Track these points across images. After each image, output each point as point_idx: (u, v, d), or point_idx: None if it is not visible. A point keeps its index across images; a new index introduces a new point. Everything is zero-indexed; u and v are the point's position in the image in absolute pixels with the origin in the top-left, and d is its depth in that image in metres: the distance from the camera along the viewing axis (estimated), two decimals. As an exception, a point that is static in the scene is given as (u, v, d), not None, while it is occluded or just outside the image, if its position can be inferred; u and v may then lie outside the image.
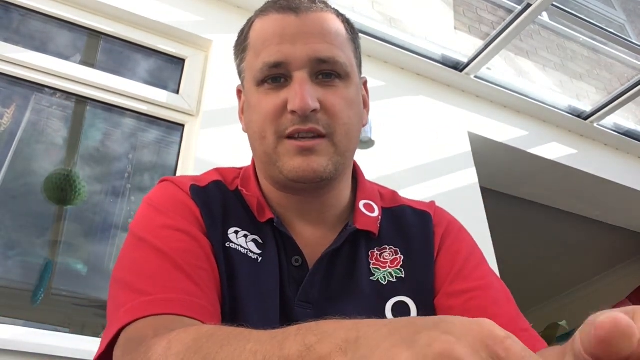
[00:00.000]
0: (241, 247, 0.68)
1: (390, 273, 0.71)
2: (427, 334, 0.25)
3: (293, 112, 0.65)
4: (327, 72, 0.68)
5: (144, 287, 0.58)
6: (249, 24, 0.75)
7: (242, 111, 0.78)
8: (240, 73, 0.76)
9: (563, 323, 3.13)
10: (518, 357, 0.24)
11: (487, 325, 0.25)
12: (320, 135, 0.66)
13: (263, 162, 0.71)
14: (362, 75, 0.78)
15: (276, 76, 0.67)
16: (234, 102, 2.43)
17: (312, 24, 0.69)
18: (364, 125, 0.75)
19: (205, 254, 0.64)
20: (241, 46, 0.75)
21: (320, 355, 0.30)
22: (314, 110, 0.65)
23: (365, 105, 0.78)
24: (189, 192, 0.70)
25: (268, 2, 0.73)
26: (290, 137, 0.66)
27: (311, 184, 0.67)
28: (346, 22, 0.75)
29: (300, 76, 0.66)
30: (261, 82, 0.68)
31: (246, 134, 0.75)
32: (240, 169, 0.79)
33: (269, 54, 0.67)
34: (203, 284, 0.60)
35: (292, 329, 0.34)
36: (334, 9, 0.74)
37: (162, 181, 0.74)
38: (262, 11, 0.73)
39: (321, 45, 0.68)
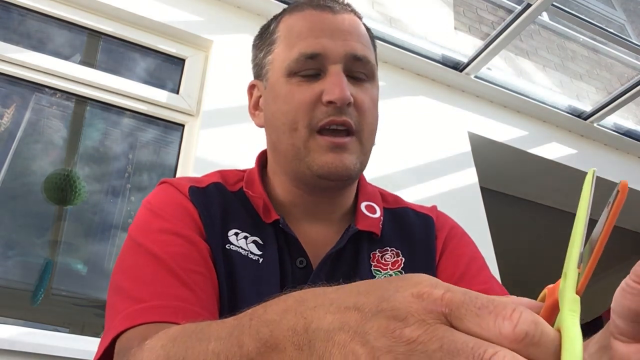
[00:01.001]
0: (241, 248, 0.67)
1: (391, 275, 0.70)
2: (377, 322, 0.26)
3: (329, 102, 0.66)
4: (358, 72, 0.70)
5: (138, 293, 0.57)
6: (277, 18, 0.76)
7: (254, 106, 0.78)
8: (261, 66, 0.76)
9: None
10: (459, 304, 0.25)
11: (426, 291, 0.26)
12: (350, 132, 0.67)
13: (287, 156, 0.70)
14: None
15: (311, 69, 0.68)
16: (233, 102, 2.41)
17: (348, 23, 0.71)
18: None
19: (203, 257, 0.63)
20: (267, 39, 0.75)
21: (277, 349, 0.30)
22: (348, 104, 0.66)
23: None
24: (187, 194, 0.69)
25: (300, 1, 0.75)
26: (321, 132, 0.66)
27: (339, 181, 0.68)
28: (368, 29, 0.77)
29: (336, 69, 0.68)
30: (293, 74, 0.69)
31: (252, 131, 0.74)
32: (244, 171, 0.78)
33: (306, 45, 0.69)
34: (198, 289, 0.59)
35: (245, 319, 0.34)
36: (359, 14, 0.76)
37: (161, 183, 0.73)
38: (295, 7, 0.74)
39: (357, 44, 0.70)
